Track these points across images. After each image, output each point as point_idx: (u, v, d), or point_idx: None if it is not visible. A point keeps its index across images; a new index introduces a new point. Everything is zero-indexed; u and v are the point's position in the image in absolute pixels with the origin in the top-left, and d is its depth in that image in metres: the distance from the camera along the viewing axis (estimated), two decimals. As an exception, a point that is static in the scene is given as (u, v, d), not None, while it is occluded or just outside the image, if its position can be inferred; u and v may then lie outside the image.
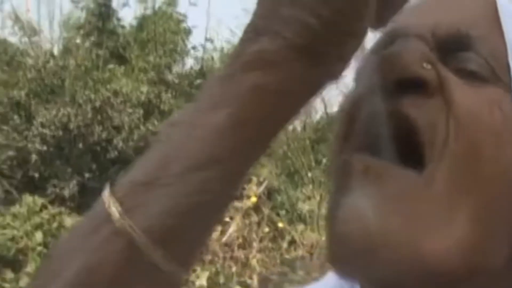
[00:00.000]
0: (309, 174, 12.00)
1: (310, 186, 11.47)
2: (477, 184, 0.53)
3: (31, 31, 15.89)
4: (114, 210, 0.47)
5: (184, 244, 0.49)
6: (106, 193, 0.49)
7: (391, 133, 0.54)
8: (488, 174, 0.53)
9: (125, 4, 15.07)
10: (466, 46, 0.56)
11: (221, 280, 7.64)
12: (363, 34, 0.51)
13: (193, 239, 0.50)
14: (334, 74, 0.52)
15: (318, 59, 0.50)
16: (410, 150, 0.54)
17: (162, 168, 0.49)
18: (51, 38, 15.96)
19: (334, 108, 16.83)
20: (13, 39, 16.02)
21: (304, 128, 13.66)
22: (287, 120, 0.52)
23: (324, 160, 11.95)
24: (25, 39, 15.72)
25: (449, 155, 0.53)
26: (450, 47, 0.56)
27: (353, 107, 0.59)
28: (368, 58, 0.60)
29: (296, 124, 13.04)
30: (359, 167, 0.54)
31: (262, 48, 0.49)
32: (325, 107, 15.18)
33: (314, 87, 0.52)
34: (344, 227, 0.53)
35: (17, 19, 15.97)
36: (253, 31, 0.50)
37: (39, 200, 8.22)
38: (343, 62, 0.51)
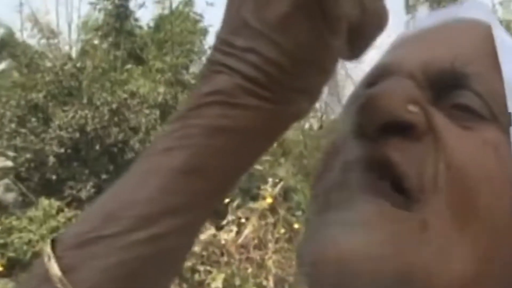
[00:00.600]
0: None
1: (328, 186, 11.42)
2: (473, 230, 0.49)
3: (50, 33, 16.06)
4: (54, 267, 0.43)
5: None
6: (47, 247, 0.44)
7: (371, 179, 0.49)
8: (484, 221, 0.49)
9: (141, 5, 15.15)
10: (461, 84, 0.52)
11: (237, 281, 7.66)
12: (331, 66, 0.47)
13: None
14: (300, 110, 0.47)
15: (281, 95, 0.46)
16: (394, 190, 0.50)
17: (110, 220, 0.44)
18: (69, 40, 16.14)
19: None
20: (32, 42, 16.22)
21: (320, 126, 13.62)
22: (248, 165, 0.48)
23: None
24: (44, 41, 15.90)
25: (441, 202, 0.49)
26: (444, 84, 0.52)
27: (328, 156, 0.54)
28: (354, 94, 0.56)
29: (313, 123, 13.02)
30: (334, 201, 0.49)
31: (218, 87, 0.45)
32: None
33: (277, 126, 0.47)
34: (321, 254, 0.48)
35: (36, 22, 16.15)
36: (209, 67, 0.47)
37: (55, 203, 8.30)
38: (310, 97, 0.47)
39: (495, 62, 0.52)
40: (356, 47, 0.47)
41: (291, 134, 11.00)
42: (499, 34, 0.54)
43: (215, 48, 0.47)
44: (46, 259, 0.43)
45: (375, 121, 0.49)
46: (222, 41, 0.46)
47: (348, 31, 0.46)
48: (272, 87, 0.45)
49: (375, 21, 0.46)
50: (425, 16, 0.60)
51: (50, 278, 0.42)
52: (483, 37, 0.54)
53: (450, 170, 0.49)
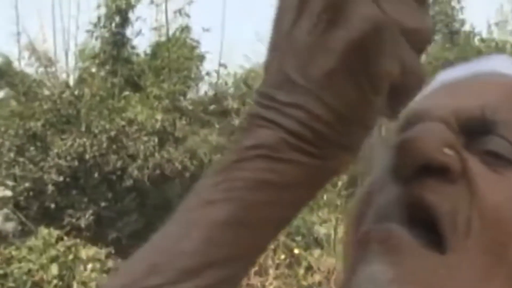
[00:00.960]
0: (325, 197, 11.94)
1: (326, 209, 11.43)
2: (503, 274, 0.51)
3: (48, 61, 16.11)
4: None
5: None
6: None
7: (408, 218, 0.51)
8: None
9: (138, 33, 15.22)
10: (490, 130, 0.54)
11: (238, 308, 7.60)
12: (372, 124, 0.48)
13: None
14: (342, 165, 0.48)
15: (326, 151, 0.46)
16: (428, 232, 0.51)
17: (153, 272, 0.45)
18: (67, 68, 16.19)
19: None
20: (29, 70, 16.27)
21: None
22: (291, 215, 0.48)
23: (339, 183, 11.90)
24: (42, 70, 15.95)
25: (474, 247, 0.50)
26: (474, 130, 0.54)
27: (366, 197, 0.55)
28: (387, 139, 0.58)
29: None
30: (378, 237, 0.51)
31: (261, 141, 0.46)
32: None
33: (319, 180, 0.48)
34: None
35: (33, 50, 16.21)
36: (250, 121, 0.47)
37: (55, 232, 8.26)
38: (351, 153, 0.48)
39: None
40: (394, 105, 0.48)
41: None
42: None
43: (256, 101, 0.47)
44: None
45: (412, 163, 0.51)
46: (263, 95, 0.47)
47: (388, 89, 0.47)
48: (318, 143, 0.46)
49: (414, 80, 0.47)
50: (453, 69, 0.63)
51: None
52: (510, 87, 0.57)
53: (483, 215, 0.50)
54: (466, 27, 17.36)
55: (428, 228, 0.51)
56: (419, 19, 0.46)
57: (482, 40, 16.76)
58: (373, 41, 0.44)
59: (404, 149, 0.51)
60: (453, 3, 17.42)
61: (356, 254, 0.52)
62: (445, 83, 0.60)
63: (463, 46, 16.74)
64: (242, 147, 0.46)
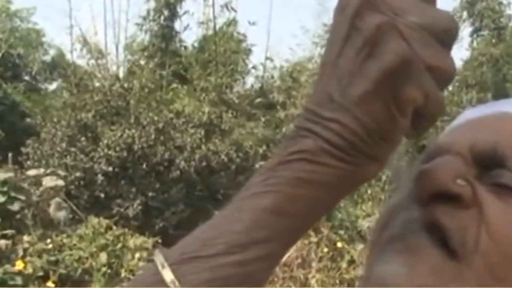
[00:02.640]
0: (369, 191, 11.94)
1: (370, 203, 11.43)
2: None
3: (98, 53, 16.41)
4: (169, 273, 0.54)
5: None
6: (160, 256, 0.55)
7: (424, 237, 0.60)
8: None
9: (186, 27, 15.35)
10: (501, 164, 0.61)
11: (281, 300, 7.65)
12: (397, 141, 0.57)
13: None
14: (369, 173, 0.57)
15: (356, 158, 0.55)
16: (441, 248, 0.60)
17: (208, 244, 0.54)
18: (117, 60, 16.46)
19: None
20: (81, 62, 16.60)
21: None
22: (322, 212, 0.58)
23: (383, 177, 11.88)
24: (92, 62, 16.26)
25: (480, 262, 0.58)
26: (487, 163, 0.62)
27: (389, 213, 0.65)
28: (411, 170, 0.66)
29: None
30: (397, 238, 0.61)
31: (303, 147, 0.55)
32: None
33: (349, 184, 0.57)
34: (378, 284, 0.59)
35: (85, 43, 16.53)
36: (297, 132, 0.56)
37: (104, 221, 8.44)
38: (378, 164, 0.57)
39: None
40: (418, 127, 0.58)
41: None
42: None
43: (303, 116, 0.57)
44: (160, 267, 0.54)
45: (428, 191, 0.60)
46: (310, 111, 0.56)
47: (413, 113, 0.56)
48: (350, 151, 0.55)
49: (435, 108, 0.56)
50: (475, 109, 0.73)
51: (164, 280, 0.54)
52: None
53: (490, 236, 0.58)
54: (513, 23, 16.97)
55: (442, 245, 0.59)
56: (443, 59, 0.55)
57: (529, 36, 16.33)
58: (401, 72, 0.53)
59: (423, 178, 0.61)
60: (500, -1, 17.01)
61: (376, 255, 0.63)
62: (468, 120, 0.70)
63: (510, 42, 16.38)
64: (287, 152, 0.56)
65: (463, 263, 0.58)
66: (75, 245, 7.87)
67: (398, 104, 0.54)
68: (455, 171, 0.60)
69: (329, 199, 0.57)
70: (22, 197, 8.19)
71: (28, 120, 14.71)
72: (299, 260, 7.96)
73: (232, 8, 15.16)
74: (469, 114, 0.72)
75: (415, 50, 0.54)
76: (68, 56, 17.08)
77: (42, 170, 9.78)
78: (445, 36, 0.56)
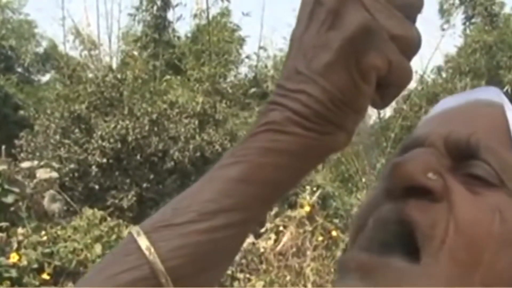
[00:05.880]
0: (363, 179, 11.98)
1: (364, 192, 11.45)
2: (476, 282, 0.57)
3: (91, 44, 16.36)
4: (144, 240, 0.56)
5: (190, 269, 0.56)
6: (136, 227, 0.58)
7: (395, 234, 0.59)
8: (485, 276, 0.57)
9: (179, 18, 15.30)
10: (474, 154, 0.61)
11: (276, 289, 7.67)
12: (363, 110, 0.58)
13: (199, 269, 0.57)
14: (336, 143, 0.58)
15: (321, 127, 0.57)
16: (414, 248, 0.58)
17: (179, 213, 0.57)
18: (110, 51, 16.43)
19: (387, 113, 16.68)
20: (74, 53, 16.54)
21: (357, 133, 13.59)
22: (291, 181, 0.58)
23: (378, 165, 11.90)
24: (85, 53, 16.21)
25: (446, 258, 0.57)
26: (460, 154, 0.62)
27: (363, 214, 0.64)
28: (388, 164, 0.65)
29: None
30: (353, 265, 0.60)
31: (270, 119, 0.57)
32: (379, 112, 15.06)
33: (316, 153, 0.58)
34: None
35: (78, 34, 16.47)
36: (267, 106, 0.58)
37: (99, 213, 8.43)
38: (345, 133, 0.58)
39: (507, 138, 0.63)
40: (383, 97, 0.59)
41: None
42: (511, 114, 0.65)
43: (274, 92, 0.59)
44: (135, 234, 0.56)
45: (399, 185, 0.60)
46: (278, 86, 0.58)
47: (378, 84, 0.57)
48: (316, 120, 0.56)
49: (400, 75, 0.57)
50: (450, 98, 0.72)
51: (140, 247, 0.56)
52: (497, 116, 0.64)
53: (458, 229, 0.58)
54: (506, 10, 16.98)
55: (409, 248, 0.58)
56: (406, 28, 0.56)
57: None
58: (363, 41, 0.55)
59: (394, 172, 0.60)
60: (493, -14, 17.03)
61: (339, 273, 0.62)
62: (443, 110, 0.70)
63: (503, 29, 16.38)
64: (256, 125, 0.58)
65: (427, 263, 0.57)
66: (69, 237, 7.86)
67: (360, 72, 0.55)
68: (425, 164, 0.60)
69: (296, 168, 0.58)
70: (16, 190, 8.17)
71: (21, 112, 14.65)
72: (294, 249, 7.98)
73: (225, -2, 15.11)
74: (444, 104, 0.71)
75: (377, 20, 0.55)
76: (61, 48, 17.04)
77: (36, 162, 9.75)
78: (409, 8, 0.57)
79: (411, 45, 0.57)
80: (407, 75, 0.58)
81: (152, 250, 0.55)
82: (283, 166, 0.57)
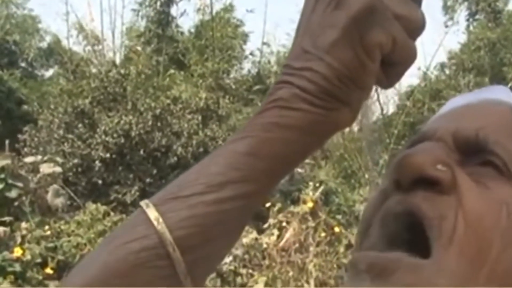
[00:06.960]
0: (366, 176, 11.98)
1: (367, 188, 11.45)
2: (485, 275, 0.57)
3: (95, 39, 16.36)
4: (153, 211, 0.58)
5: (195, 238, 0.58)
6: (145, 200, 0.59)
7: (404, 226, 0.59)
8: (495, 269, 0.57)
9: (183, 13, 15.29)
10: (484, 148, 0.61)
11: (279, 285, 7.69)
12: (368, 88, 0.59)
13: (206, 239, 0.58)
14: (342, 120, 0.60)
15: (327, 102, 0.58)
16: (422, 241, 0.58)
17: (188, 186, 0.58)
18: (113, 46, 16.43)
19: (390, 109, 16.68)
20: (77, 48, 16.55)
21: (360, 129, 13.60)
22: (298, 157, 0.60)
23: (381, 162, 11.90)
24: (89, 48, 16.21)
25: (456, 251, 0.57)
26: (469, 148, 0.62)
27: (372, 208, 0.64)
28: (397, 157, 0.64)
29: (353, 125, 12.98)
30: (363, 266, 0.58)
31: (277, 96, 0.59)
32: (382, 108, 15.09)
33: (322, 128, 0.60)
34: None
35: (81, 29, 16.47)
36: (275, 85, 0.60)
37: (102, 208, 8.46)
38: (350, 110, 0.60)
39: None
40: (389, 76, 0.60)
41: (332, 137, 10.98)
42: None
43: (282, 72, 0.60)
44: (145, 206, 0.58)
45: (408, 176, 0.60)
46: (285, 66, 0.60)
47: (383, 62, 0.59)
48: (321, 96, 0.58)
49: (405, 55, 0.59)
50: (459, 97, 0.73)
51: (149, 218, 0.57)
52: (506, 115, 0.65)
53: (467, 222, 0.57)
54: (510, 6, 16.96)
55: (420, 232, 0.58)
56: (410, 9, 0.58)
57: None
58: (367, 19, 0.57)
59: (403, 163, 0.60)
60: (497, -18, 17.00)
61: (350, 275, 0.61)
62: (453, 107, 0.71)
63: (506, 26, 16.35)
64: (265, 102, 0.60)
65: (437, 258, 0.57)
66: (73, 231, 7.90)
67: (365, 49, 0.57)
68: (435, 156, 0.60)
69: (303, 143, 0.59)
70: (20, 184, 8.20)
71: (25, 107, 14.68)
72: (297, 245, 8.00)
73: (229, -6, 15.09)
74: (455, 101, 0.72)
75: (381, 0, 0.57)
76: (65, 43, 17.05)
77: (39, 157, 9.78)
78: None
79: (414, 26, 0.58)
80: (411, 53, 0.59)
81: (161, 220, 0.57)
82: (290, 141, 0.58)
